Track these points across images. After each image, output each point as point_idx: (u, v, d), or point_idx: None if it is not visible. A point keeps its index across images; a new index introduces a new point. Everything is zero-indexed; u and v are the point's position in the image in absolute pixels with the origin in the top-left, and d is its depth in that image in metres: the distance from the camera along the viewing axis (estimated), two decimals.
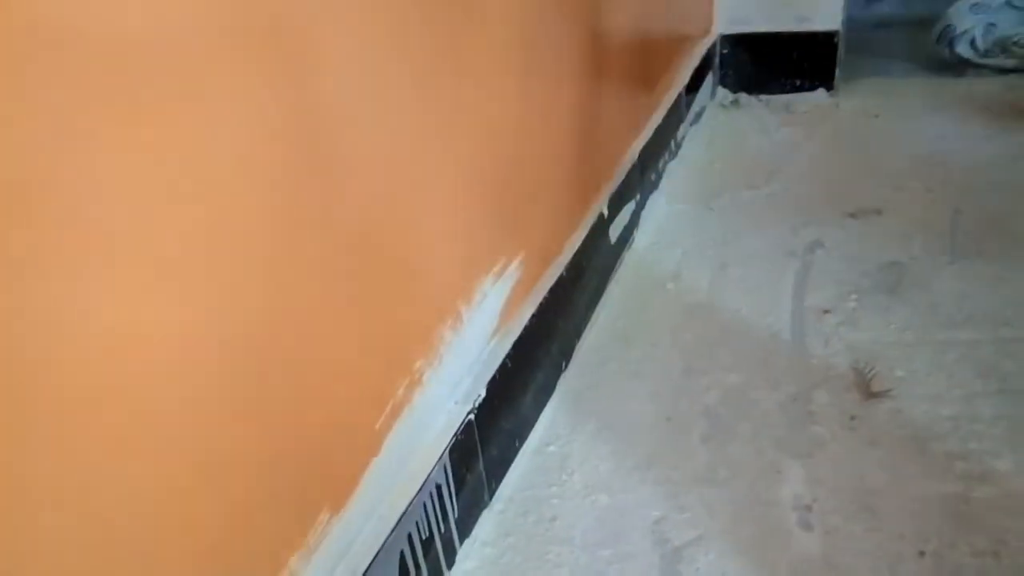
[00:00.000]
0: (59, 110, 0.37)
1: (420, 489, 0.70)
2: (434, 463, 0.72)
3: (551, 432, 0.95)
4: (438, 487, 0.73)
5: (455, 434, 0.76)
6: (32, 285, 0.37)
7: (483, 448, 0.82)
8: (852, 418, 0.89)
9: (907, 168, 1.42)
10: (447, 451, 0.74)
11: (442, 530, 0.74)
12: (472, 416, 0.79)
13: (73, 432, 0.40)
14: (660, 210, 1.39)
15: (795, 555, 0.75)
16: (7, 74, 0.34)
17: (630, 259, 1.26)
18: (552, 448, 0.92)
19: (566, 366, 1.04)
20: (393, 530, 0.66)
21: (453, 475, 0.76)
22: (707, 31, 1.78)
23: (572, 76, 1.05)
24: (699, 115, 1.71)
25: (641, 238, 1.31)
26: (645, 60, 1.38)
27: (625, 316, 1.14)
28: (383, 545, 0.65)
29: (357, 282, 0.63)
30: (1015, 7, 1.72)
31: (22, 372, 0.37)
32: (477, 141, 0.80)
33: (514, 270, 0.90)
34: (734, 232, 1.30)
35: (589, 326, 1.12)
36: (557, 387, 1.01)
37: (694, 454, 0.89)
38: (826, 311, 1.08)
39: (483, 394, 0.81)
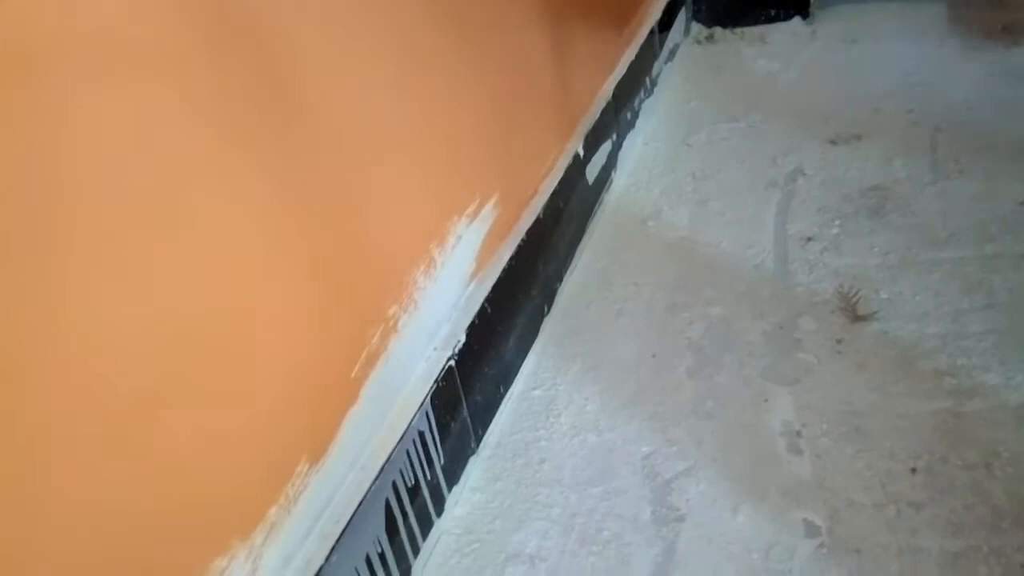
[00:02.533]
0: None
1: (402, 437, 0.69)
2: (415, 410, 0.71)
3: (536, 376, 0.93)
4: (421, 434, 0.72)
5: (436, 380, 0.74)
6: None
7: (466, 394, 0.80)
8: (839, 342, 0.88)
9: (886, 92, 1.39)
10: (428, 398, 0.73)
11: (428, 477, 0.73)
12: (453, 362, 0.77)
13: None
14: (637, 149, 1.36)
15: (786, 479, 0.74)
16: None
17: (609, 200, 1.24)
18: (537, 392, 0.91)
19: (549, 309, 1.03)
20: (376, 479, 0.65)
21: (436, 422, 0.74)
22: None
23: (541, 14, 1.02)
24: (673, 52, 1.68)
25: (619, 178, 1.29)
26: None
27: (606, 257, 1.12)
28: (367, 494, 0.63)
29: (321, 228, 0.60)
30: None
31: None
32: (444, 80, 0.77)
33: (489, 211, 0.87)
34: (713, 167, 1.28)
35: (570, 268, 1.10)
36: (540, 331, 1.00)
37: (681, 388, 0.88)
38: (809, 239, 1.06)
39: (463, 340, 0.79)
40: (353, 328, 0.65)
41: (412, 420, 0.70)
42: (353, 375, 0.65)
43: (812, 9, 1.70)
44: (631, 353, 0.94)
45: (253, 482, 0.54)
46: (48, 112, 0.39)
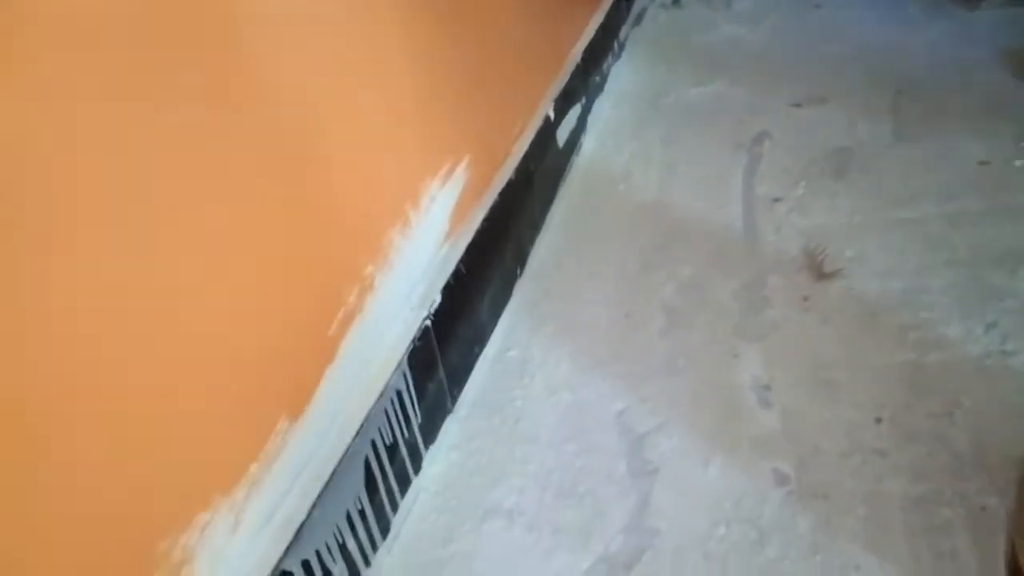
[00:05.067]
0: None
1: (380, 395, 0.69)
2: (393, 369, 0.71)
3: (510, 338, 0.94)
4: (399, 393, 0.72)
5: (413, 340, 0.74)
6: None
7: (442, 354, 0.81)
8: (805, 299, 0.90)
9: (849, 55, 1.41)
10: (406, 357, 0.73)
11: (406, 435, 0.74)
12: (429, 322, 0.77)
13: None
14: (606, 112, 1.37)
15: (756, 431, 0.76)
16: None
17: (579, 163, 1.24)
18: (512, 353, 0.92)
19: (521, 271, 1.03)
20: (356, 436, 0.65)
21: (414, 381, 0.74)
22: None
23: None
24: (640, 16, 1.68)
25: (589, 142, 1.29)
26: None
27: (578, 219, 1.13)
28: (347, 451, 0.64)
29: (299, 190, 0.60)
30: None
31: None
32: (415, 45, 0.76)
33: (462, 173, 0.87)
34: (682, 130, 1.29)
35: (542, 231, 1.10)
36: (514, 293, 1.00)
37: (653, 347, 0.89)
38: (776, 200, 1.08)
39: (438, 300, 0.79)
40: (330, 287, 0.65)
41: (390, 379, 0.70)
42: (331, 333, 0.65)
43: None
44: (604, 313, 0.95)
45: (234, 438, 0.54)
46: None
